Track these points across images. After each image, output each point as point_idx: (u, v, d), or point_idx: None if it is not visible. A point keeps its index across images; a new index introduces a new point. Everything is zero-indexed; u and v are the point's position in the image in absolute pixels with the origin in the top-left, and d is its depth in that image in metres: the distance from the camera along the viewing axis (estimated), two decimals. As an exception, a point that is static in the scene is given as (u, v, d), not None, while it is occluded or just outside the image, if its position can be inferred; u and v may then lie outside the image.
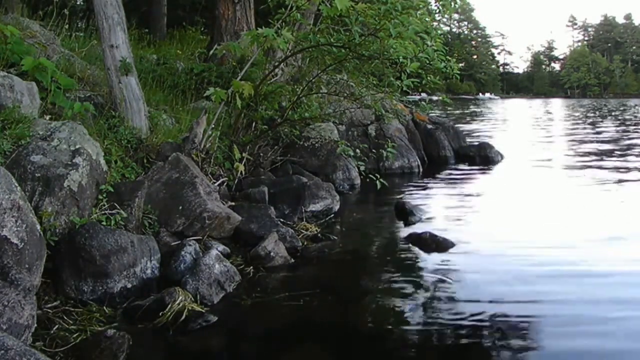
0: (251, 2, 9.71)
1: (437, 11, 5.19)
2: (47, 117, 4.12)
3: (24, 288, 2.46)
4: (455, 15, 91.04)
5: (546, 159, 9.98)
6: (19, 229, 2.69)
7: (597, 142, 13.27)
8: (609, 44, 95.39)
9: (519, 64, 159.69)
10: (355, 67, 6.00)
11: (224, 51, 6.94)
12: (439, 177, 7.97)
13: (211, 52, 8.15)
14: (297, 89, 6.29)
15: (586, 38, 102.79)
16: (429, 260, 4.11)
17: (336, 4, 4.36)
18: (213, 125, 5.21)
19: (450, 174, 8.24)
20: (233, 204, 4.79)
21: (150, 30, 12.14)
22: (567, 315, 3.09)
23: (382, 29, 4.50)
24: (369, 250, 4.61)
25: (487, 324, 2.99)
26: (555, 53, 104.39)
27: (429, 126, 9.53)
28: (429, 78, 5.36)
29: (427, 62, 4.79)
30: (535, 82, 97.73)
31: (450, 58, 4.94)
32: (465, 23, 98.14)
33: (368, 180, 5.70)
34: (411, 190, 6.97)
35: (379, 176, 5.38)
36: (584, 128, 18.55)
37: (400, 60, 4.74)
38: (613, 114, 28.77)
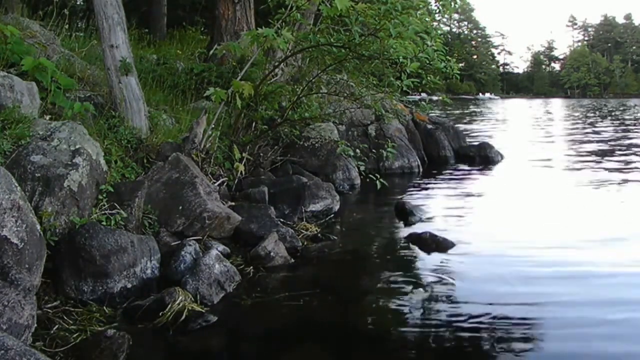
0: (251, 2, 9.71)
1: (437, 11, 5.19)
2: (47, 117, 4.12)
3: (24, 288, 2.46)
4: (455, 15, 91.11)
5: (546, 159, 9.98)
6: (19, 229, 2.69)
7: (597, 142, 13.27)
8: (609, 44, 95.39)
9: (519, 64, 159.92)
10: (355, 67, 6.00)
11: (224, 51, 6.94)
12: (439, 177, 7.97)
13: (211, 52, 8.15)
14: (297, 89, 6.29)
15: (586, 38, 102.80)
16: (429, 260, 4.11)
17: (336, 4, 4.36)
18: (213, 125, 5.21)
19: (450, 174, 8.24)
20: (233, 204, 4.79)
21: (150, 30, 12.14)
22: (568, 317, 3.08)
23: (382, 29, 4.50)
24: (369, 250, 4.61)
25: (487, 324, 2.99)
26: (555, 53, 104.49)
27: (429, 126, 9.53)
28: (429, 78, 5.36)
29: (427, 62, 4.79)
30: (535, 82, 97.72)
31: (450, 58, 4.94)
32: (465, 23, 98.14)
33: (368, 180, 5.71)
34: (411, 190, 6.97)
35: (379, 176, 5.38)
36: (584, 128, 18.55)
37: (400, 60, 4.74)
38: (613, 114, 28.76)
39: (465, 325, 2.98)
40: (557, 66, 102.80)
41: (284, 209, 5.08)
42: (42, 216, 3.09)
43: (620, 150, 11.41)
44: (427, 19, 4.88)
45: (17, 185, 2.84)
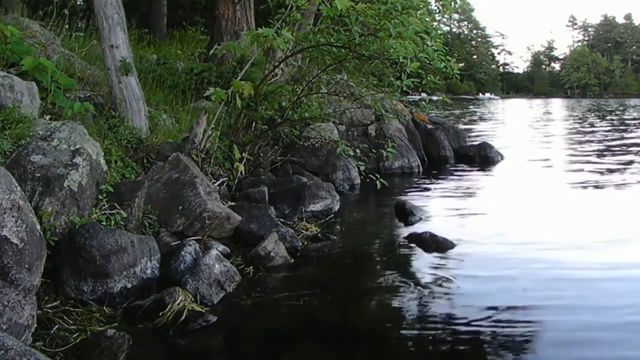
0: (251, 2, 9.71)
1: (437, 11, 5.19)
2: (47, 117, 4.12)
3: (24, 288, 2.46)
4: (455, 15, 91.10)
5: (546, 159, 9.98)
6: (19, 229, 2.69)
7: (597, 142, 13.28)
8: (609, 44, 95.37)
9: (519, 64, 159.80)
10: (355, 67, 6.00)
11: (224, 51, 6.93)
12: (439, 177, 7.97)
13: (211, 52, 8.15)
14: (297, 89, 6.29)
15: (586, 38, 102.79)
16: (429, 261, 4.11)
17: (336, 4, 4.36)
18: (213, 125, 5.21)
19: (450, 174, 8.24)
20: (233, 204, 4.79)
21: (150, 30, 12.14)
22: (568, 320, 3.07)
23: (382, 29, 4.50)
24: (369, 250, 4.60)
25: (486, 325, 2.99)
26: (555, 53, 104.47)
27: (429, 126, 9.53)
28: (429, 78, 5.36)
29: (427, 62, 4.79)
30: (535, 82, 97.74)
31: (450, 58, 4.94)
32: (465, 23, 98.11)
33: (368, 180, 5.71)
34: (411, 190, 6.98)
35: (379, 176, 5.38)
36: (584, 128, 18.55)
37: (400, 60, 4.74)
38: (613, 114, 28.76)
39: (465, 325, 2.98)
40: (557, 66, 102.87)
41: (284, 209, 5.08)
42: (42, 216, 3.09)
43: (620, 150, 11.41)
44: (427, 19, 4.88)
45: (17, 185, 2.84)
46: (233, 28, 9.32)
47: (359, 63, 5.71)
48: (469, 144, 10.15)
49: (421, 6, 4.68)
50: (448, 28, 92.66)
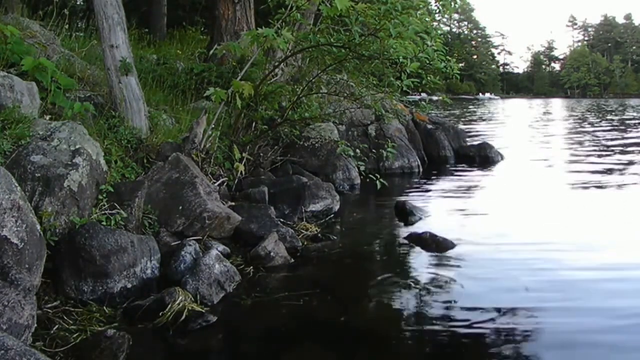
0: (251, 2, 9.71)
1: (437, 11, 5.19)
2: (47, 117, 4.12)
3: (24, 288, 2.46)
4: (455, 15, 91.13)
5: (546, 159, 9.98)
6: (19, 229, 2.69)
7: (597, 142, 13.27)
8: (609, 44, 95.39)
9: (519, 64, 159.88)
10: (355, 67, 6.00)
11: (224, 51, 6.94)
12: (439, 177, 7.97)
13: (211, 52, 8.15)
14: (297, 89, 6.29)
15: (586, 38, 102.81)
16: (429, 261, 4.11)
17: (336, 4, 4.36)
18: (213, 125, 5.21)
19: (451, 174, 8.24)
20: (233, 204, 4.79)
21: (150, 30, 12.14)
22: (569, 321, 3.06)
23: (382, 29, 4.50)
24: (369, 250, 4.61)
25: (486, 325, 2.99)
26: (555, 53, 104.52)
27: (429, 126, 9.53)
28: (429, 78, 5.35)
29: (427, 62, 4.79)
30: (535, 82, 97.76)
31: (450, 58, 4.94)
32: (465, 23, 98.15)
33: (368, 180, 5.71)
34: (411, 190, 6.98)
35: (379, 176, 5.38)
36: (584, 128, 18.55)
37: (400, 60, 4.74)
38: (613, 114, 28.76)
39: (464, 325, 2.98)
40: (557, 66, 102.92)
41: (284, 209, 5.08)
42: (42, 216, 3.09)
43: (620, 150, 11.41)
44: (427, 19, 4.88)
45: (17, 185, 2.84)
46: (233, 28, 9.32)
47: (359, 63, 5.71)
48: (469, 144, 10.15)
49: (421, 6, 4.68)
50: (448, 28, 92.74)
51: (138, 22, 11.81)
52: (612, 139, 13.91)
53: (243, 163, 5.59)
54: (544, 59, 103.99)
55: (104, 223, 3.39)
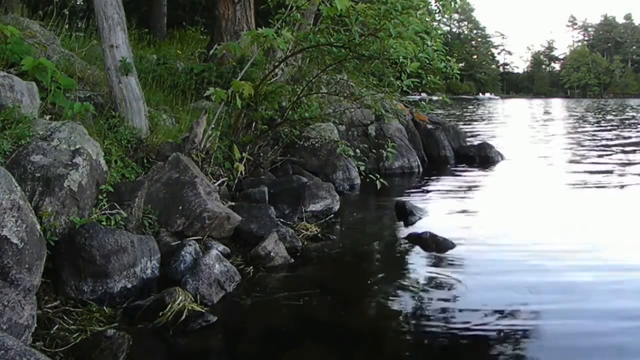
0: (251, 2, 9.71)
1: (437, 11, 5.20)
2: (47, 117, 4.12)
3: (24, 288, 2.46)
4: (455, 15, 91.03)
5: (546, 159, 9.98)
6: (19, 229, 2.69)
7: (597, 141, 13.27)
8: (609, 44, 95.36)
9: (519, 64, 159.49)
10: (355, 67, 6.01)
11: (224, 51, 6.93)
12: (439, 177, 7.97)
13: (211, 52, 8.16)
14: (297, 89, 6.29)
15: (586, 38, 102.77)
16: (429, 261, 4.11)
17: (336, 4, 4.36)
18: (213, 125, 5.21)
19: (451, 174, 8.24)
20: (233, 204, 4.79)
21: (150, 30, 12.14)
22: (569, 322, 3.05)
23: (382, 29, 4.51)
24: (369, 250, 4.61)
25: (486, 325, 2.99)
26: (555, 53, 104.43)
27: (429, 126, 9.53)
28: (429, 78, 5.35)
29: (427, 62, 4.79)
30: (535, 82, 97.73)
31: (450, 58, 4.95)
32: (465, 23, 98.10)
33: (368, 180, 5.71)
34: (411, 190, 6.98)
35: (379, 176, 5.38)
36: (584, 128, 18.55)
37: (400, 60, 4.74)
38: (613, 114, 28.76)
39: (464, 325, 2.98)
40: (557, 66, 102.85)
41: (284, 209, 5.08)
42: (42, 216, 3.09)
43: (620, 150, 11.41)
44: (427, 19, 4.89)
45: (17, 185, 2.84)
46: (233, 28, 9.32)
47: (359, 63, 5.71)
48: (469, 144, 10.15)
49: (421, 6, 4.68)
50: (448, 28, 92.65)
51: (138, 22, 11.80)
52: (612, 139, 13.91)
53: (243, 163, 5.59)
54: (544, 59, 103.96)
55: (104, 223, 3.39)
